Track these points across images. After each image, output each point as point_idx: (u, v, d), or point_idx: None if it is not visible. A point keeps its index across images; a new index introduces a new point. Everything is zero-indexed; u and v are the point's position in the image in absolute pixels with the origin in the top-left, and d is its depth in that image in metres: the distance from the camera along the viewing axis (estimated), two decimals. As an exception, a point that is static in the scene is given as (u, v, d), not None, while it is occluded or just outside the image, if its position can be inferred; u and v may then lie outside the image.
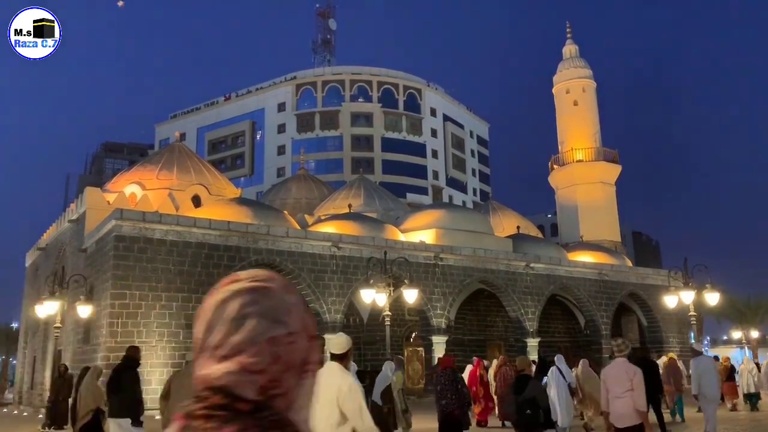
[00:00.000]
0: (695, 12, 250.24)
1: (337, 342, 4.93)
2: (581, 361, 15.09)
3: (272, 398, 1.00)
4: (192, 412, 0.98)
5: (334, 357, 4.85)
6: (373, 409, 9.63)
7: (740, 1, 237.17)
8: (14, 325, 55.47)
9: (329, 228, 27.14)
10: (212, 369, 1.01)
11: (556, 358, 13.35)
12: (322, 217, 31.36)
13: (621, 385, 7.26)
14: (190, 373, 6.73)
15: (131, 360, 9.72)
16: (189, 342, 20.94)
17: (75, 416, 11.16)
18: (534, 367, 13.69)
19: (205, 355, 1.03)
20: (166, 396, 7.29)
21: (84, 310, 19.65)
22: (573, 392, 13.37)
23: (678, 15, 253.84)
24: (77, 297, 20.73)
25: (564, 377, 12.86)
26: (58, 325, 19.26)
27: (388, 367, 11.42)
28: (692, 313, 21.30)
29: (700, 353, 12.83)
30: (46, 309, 19.04)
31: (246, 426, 0.95)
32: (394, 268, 21.34)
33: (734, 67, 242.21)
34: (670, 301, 23.60)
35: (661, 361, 18.64)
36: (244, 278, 1.10)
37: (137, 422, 9.54)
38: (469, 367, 17.66)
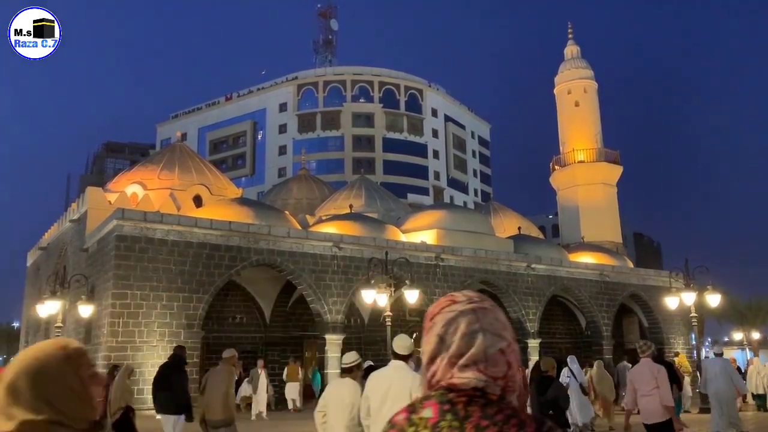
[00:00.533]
0: (697, 13, 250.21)
1: (403, 344, 5.57)
2: (596, 363, 15.26)
3: (507, 392, 1.42)
4: (450, 399, 1.39)
5: (399, 357, 5.46)
6: None
7: (743, 2, 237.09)
8: (15, 324, 55.55)
9: (330, 228, 27.14)
10: (462, 375, 1.40)
11: (568, 359, 13.50)
12: (323, 218, 31.36)
13: (647, 383, 7.76)
14: (221, 370, 7.45)
15: (179, 358, 10.45)
16: (190, 342, 20.94)
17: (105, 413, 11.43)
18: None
19: (442, 363, 1.43)
20: (202, 391, 8.28)
21: (85, 310, 19.67)
22: (585, 392, 13.50)
23: (680, 16, 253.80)
24: (78, 297, 20.74)
25: (575, 377, 12.99)
26: (60, 324, 19.27)
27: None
28: (693, 314, 21.28)
29: (720, 354, 12.89)
30: (48, 308, 19.05)
31: (501, 408, 1.36)
32: (395, 269, 21.34)
33: (738, 67, 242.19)
34: (672, 302, 23.58)
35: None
36: (462, 300, 1.49)
37: (190, 417, 10.22)
38: None
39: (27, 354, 1.53)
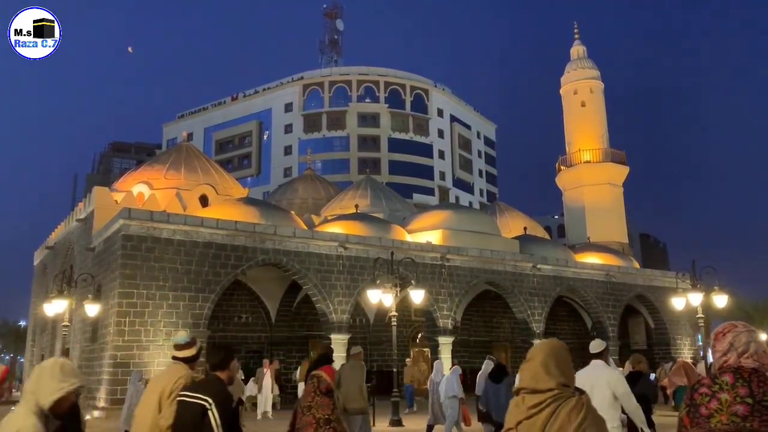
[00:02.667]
0: (704, 14, 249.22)
1: (596, 344, 6.42)
2: (627, 363, 15.47)
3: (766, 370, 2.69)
4: (740, 372, 2.64)
5: (594, 356, 6.23)
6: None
7: (745, 2, 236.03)
8: (22, 323, 55.77)
9: (336, 228, 27.16)
10: (746, 362, 2.69)
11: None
12: (329, 218, 31.38)
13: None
14: (354, 365, 7.93)
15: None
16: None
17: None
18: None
19: (733, 355, 2.74)
20: (337, 385, 8.87)
21: (92, 309, 19.72)
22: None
23: (687, 16, 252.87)
24: (85, 296, 20.80)
25: None
26: (66, 323, 19.33)
27: (489, 365, 12.72)
28: (700, 315, 21.19)
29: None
30: (54, 308, 19.08)
31: (766, 378, 2.61)
32: (400, 269, 21.32)
33: (747, 67, 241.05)
34: (678, 303, 23.49)
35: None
36: (739, 325, 2.83)
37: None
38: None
39: (547, 344, 2.94)
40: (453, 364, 25.83)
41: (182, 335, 4.91)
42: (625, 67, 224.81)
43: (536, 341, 28.76)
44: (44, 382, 3.16)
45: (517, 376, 3.04)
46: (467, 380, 25.49)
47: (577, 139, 46.80)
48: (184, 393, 4.41)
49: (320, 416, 5.83)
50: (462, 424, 12.44)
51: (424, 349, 29.94)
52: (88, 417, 19.30)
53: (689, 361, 21.11)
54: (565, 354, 2.88)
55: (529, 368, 2.83)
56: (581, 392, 2.79)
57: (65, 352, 20.43)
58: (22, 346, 46.71)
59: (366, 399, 9.77)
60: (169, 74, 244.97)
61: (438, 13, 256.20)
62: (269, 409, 20.44)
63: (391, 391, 17.29)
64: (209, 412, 4.23)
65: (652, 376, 13.91)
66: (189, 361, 4.81)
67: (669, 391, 20.01)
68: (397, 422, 15.98)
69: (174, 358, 4.82)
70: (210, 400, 4.27)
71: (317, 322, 26.09)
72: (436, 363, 14.33)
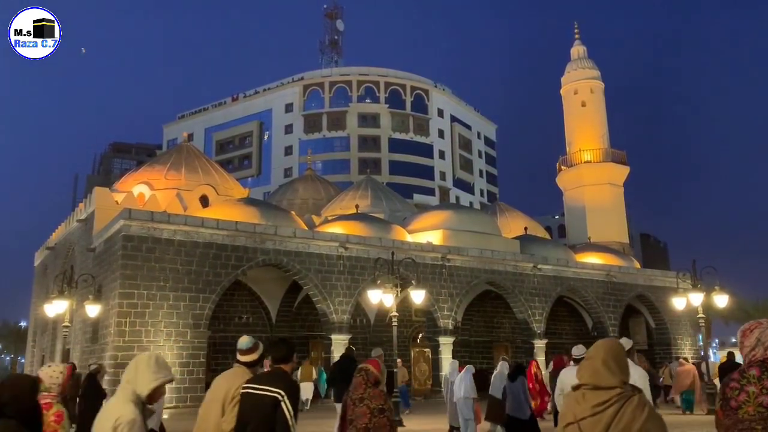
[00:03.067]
0: (706, 13, 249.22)
1: (624, 342, 6.96)
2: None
3: None
4: (764, 362, 2.89)
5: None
6: (490, 401, 12.45)
7: (745, 2, 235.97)
8: (23, 324, 55.79)
9: (336, 228, 27.16)
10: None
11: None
12: (329, 218, 31.38)
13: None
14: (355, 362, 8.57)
15: (350, 357, 12.87)
16: (197, 342, 21.01)
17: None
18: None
19: (760, 350, 2.95)
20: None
21: (92, 310, 19.72)
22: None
23: (689, 15, 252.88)
24: (86, 296, 20.81)
25: None
26: (67, 324, 19.33)
27: (505, 366, 12.77)
28: (701, 315, 21.18)
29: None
30: (55, 308, 19.08)
31: None
32: (401, 269, 21.29)
33: (744, 67, 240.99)
34: (679, 303, 23.48)
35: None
36: (765, 321, 3.04)
37: None
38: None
39: (606, 343, 3.02)
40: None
41: (245, 340, 5.02)
42: (625, 67, 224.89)
43: (537, 341, 28.93)
44: (141, 373, 3.45)
45: (562, 373, 3.34)
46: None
47: (577, 139, 46.80)
48: (251, 386, 4.56)
49: (374, 406, 6.03)
50: (476, 424, 12.71)
51: (425, 350, 29.92)
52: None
53: (687, 360, 21.26)
54: (623, 353, 3.01)
55: (589, 366, 2.92)
56: (639, 390, 2.91)
57: (66, 353, 20.42)
58: (23, 346, 46.70)
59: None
60: (169, 75, 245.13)
61: (438, 13, 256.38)
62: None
63: (392, 392, 17.28)
64: (282, 404, 4.41)
65: (660, 379, 14.19)
66: (251, 366, 4.93)
67: (675, 396, 20.20)
68: (397, 422, 15.99)
69: (237, 362, 4.94)
70: (282, 392, 4.45)
71: (318, 322, 26.09)
72: (451, 362, 14.56)
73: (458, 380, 13.06)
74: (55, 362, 23.49)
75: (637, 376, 6.40)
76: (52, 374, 4.38)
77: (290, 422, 4.39)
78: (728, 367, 16.54)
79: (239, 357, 4.93)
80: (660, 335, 34.46)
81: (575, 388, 2.96)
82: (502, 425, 12.07)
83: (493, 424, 12.44)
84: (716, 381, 21.43)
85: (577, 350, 7.51)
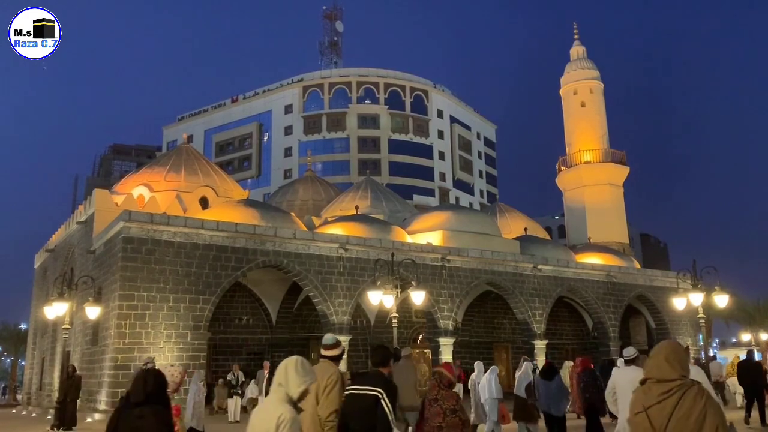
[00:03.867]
0: (706, 12, 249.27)
1: (627, 353, 8.31)
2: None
3: None
4: None
5: (628, 362, 7.89)
6: (517, 401, 12.76)
7: (745, 2, 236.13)
8: (23, 326, 55.72)
9: (336, 230, 27.15)
10: None
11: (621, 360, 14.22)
12: (329, 219, 31.37)
13: None
14: (406, 365, 10.58)
15: (388, 356, 12.87)
16: (197, 343, 20.99)
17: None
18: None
19: None
20: None
21: (92, 312, 19.69)
22: None
23: (688, 15, 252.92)
24: (86, 298, 20.80)
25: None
26: (67, 326, 19.30)
27: (529, 366, 13.36)
28: (701, 315, 21.17)
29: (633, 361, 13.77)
30: (55, 310, 19.05)
31: None
32: (401, 270, 21.31)
33: (744, 66, 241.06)
34: (679, 303, 23.46)
35: None
36: None
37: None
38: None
39: (667, 343, 3.53)
40: (456, 365, 25.94)
41: (329, 337, 5.67)
42: (625, 68, 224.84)
43: (537, 342, 28.94)
44: (291, 376, 3.83)
45: (615, 373, 3.70)
46: (468, 382, 25.55)
47: (577, 139, 46.81)
48: (354, 387, 5.36)
49: (446, 407, 6.64)
50: (503, 423, 13.00)
51: (425, 351, 29.90)
52: (89, 419, 19.30)
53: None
54: (683, 351, 3.52)
55: (654, 362, 3.44)
56: (698, 382, 3.37)
57: (66, 355, 20.40)
58: (23, 349, 46.67)
59: (418, 396, 10.72)
60: (169, 76, 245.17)
61: (437, 14, 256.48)
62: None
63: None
64: (381, 401, 5.17)
65: None
66: (335, 360, 5.59)
67: None
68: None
69: (321, 356, 5.61)
70: (381, 391, 5.21)
71: (318, 323, 26.08)
72: (476, 363, 14.85)
73: (484, 381, 13.33)
74: (54, 365, 23.41)
75: (695, 371, 7.03)
76: (174, 372, 5.09)
77: (390, 417, 5.13)
78: (747, 365, 16.50)
79: (323, 352, 5.63)
80: (660, 335, 34.42)
81: (642, 382, 3.47)
82: (534, 423, 12.53)
83: (523, 424, 12.62)
84: (730, 380, 21.36)
85: (627, 352, 8.40)
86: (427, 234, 29.47)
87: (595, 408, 11.94)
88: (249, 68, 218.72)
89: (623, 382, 7.29)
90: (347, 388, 5.29)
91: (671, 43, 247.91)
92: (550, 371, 12.24)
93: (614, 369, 10.09)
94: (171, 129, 73.61)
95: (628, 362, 8.41)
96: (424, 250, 26.93)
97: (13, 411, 31.41)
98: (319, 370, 5.27)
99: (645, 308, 35.26)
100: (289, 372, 3.84)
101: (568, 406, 13.23)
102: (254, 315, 29.10)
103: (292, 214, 29.81)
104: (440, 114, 69.01)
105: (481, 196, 73.77)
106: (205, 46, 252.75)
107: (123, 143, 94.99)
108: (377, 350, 5.70)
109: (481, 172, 75.29)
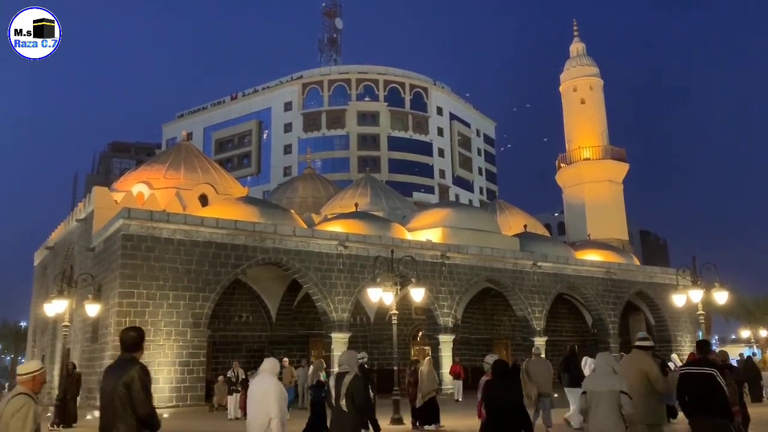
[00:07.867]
0: (706, 10, 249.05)
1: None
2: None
3: None
4: None
5: (642, 348, 7.97)
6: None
7: (745, 2, 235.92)
8: (23, 323, 55.79)
9: (336, 227, 27.16)
10: None
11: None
12: (329, 216, 31.37)
13: None
14: (540, 360, 13.88)
15: (505, 367, 14.15)
16: (197, 340, 21.01)
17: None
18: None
19: None
20: (529, 376, 12.39)
21: (92, 309, 19.68)
22: None
23: (688, 12, 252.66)
24: (85, 296, 20.79)
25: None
26: (67, 323, 19.29)
27: (589, 361, 14.67)
28: (701, 311, 21.18)
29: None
30: (55, 308, 19.03)
31: None
32: (400, 267, 21.28)
33: (744, 65, 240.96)
34: (679, 299, 23.43)
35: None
36: None
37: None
38: None
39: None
40: (454, 362, 25.97)
41: (643, 333, 7.70)
42: (624, 64, 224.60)
43: (537, 339, 28.98)
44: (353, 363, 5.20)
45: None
46: (468, 379, 25.56)
47: (576, 136, 46.80)
48: (687, 368, 7.04)
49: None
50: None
51: (425, 347, 29.93)
52: (89, 417, 19.32)
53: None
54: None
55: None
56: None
57: (66, 353, 20.40)
58: (23, 346, 46.73)
59: (552, 386, 12.95)
60: (168, 74, 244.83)
61: (437, 11, 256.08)
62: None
63: (391, 390, 17.27)
64: (716, 378, 6.50)
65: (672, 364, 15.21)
66: (647, 349, 7.47)
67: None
68: (397, 420, 15.97)
69: (635, 347, 7.45)
70: (715, 371, 6.63)
71: (318, 320, 26.10)
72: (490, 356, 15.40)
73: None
74: (54, 362, 23.08)
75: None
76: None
77: (726, 391, 6.54)
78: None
79: (638, 343, 7.54)
80: (660, 332, 34.46)
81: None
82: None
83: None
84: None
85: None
86: (427, 231, 29.48)
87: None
88: (248, 66, 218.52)
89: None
90: (681, 368, 7.35)
91: (670, 39, 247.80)
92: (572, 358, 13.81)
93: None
94: (170, 126, 73.57)
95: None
96: (423, 247, 26.94)
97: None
98: (635, 358, 7.30)
99: (645, 305, 35.29)
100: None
101: None
102: (254, 312, 29.11)
103: (292, 211, 29.82)
104: (440, 111, 68.97)
105: (481, 193, 73.77)
106: (204, 43, 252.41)
107: (122, 141, 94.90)
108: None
109: (480, 169, 75.28)
